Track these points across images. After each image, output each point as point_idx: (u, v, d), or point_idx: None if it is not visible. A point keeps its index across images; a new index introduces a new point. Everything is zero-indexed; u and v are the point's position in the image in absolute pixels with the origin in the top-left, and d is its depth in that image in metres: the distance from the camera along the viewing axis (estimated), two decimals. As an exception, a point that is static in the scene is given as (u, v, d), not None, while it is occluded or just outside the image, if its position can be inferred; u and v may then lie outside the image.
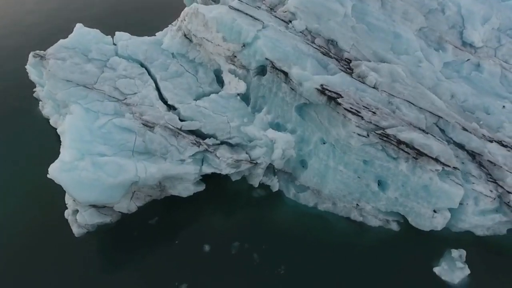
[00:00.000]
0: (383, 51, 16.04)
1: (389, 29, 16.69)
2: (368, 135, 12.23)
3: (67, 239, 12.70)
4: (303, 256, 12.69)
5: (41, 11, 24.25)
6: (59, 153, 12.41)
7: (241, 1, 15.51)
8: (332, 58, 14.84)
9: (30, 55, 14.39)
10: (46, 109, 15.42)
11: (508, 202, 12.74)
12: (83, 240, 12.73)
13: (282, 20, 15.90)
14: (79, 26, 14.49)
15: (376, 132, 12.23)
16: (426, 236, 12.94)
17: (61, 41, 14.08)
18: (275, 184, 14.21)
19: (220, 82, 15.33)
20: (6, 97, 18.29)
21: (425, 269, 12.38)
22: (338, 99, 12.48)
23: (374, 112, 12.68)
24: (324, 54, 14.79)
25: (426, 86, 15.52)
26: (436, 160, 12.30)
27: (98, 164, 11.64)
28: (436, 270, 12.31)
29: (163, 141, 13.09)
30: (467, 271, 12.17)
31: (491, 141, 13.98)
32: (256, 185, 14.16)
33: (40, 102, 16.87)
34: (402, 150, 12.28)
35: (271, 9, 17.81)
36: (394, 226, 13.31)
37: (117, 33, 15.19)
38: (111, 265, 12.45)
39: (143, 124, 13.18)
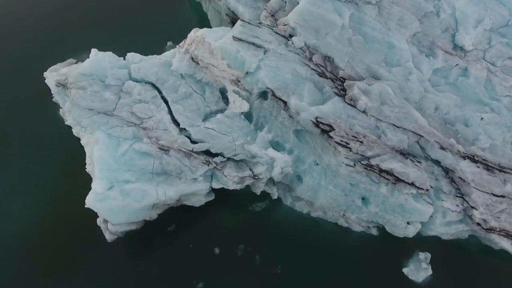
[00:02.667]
0: (376, 65, 17.33)
1: (384, 39, 17.76)
2: (354, 165, 14.29)
3: (101, 244, 15.35)
4: (296, 257, 15.51)
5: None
6: (85, 160, 14.85)
7: (243, 22, 16.48)
8: (328, 79, 16.28)
9: (53, 84, 15.77)
10: (68, 120, 17.16)
11: (471, 216, 15.18)
12: (115, 245, 15.40)
13: (282, 36, 16.97)
14: (94, 53, 15.73)
15: (362, 162, 14.26)
16: (399, 240, 15.59)
17: (80, 68, 15.45)
18: (274, 192, 16.56)
19: (225, 97, 16.92)
20: (25, 101, 19.82)
21: (396, 269, 15.23)
22: (330, 133, 14.29)
23: (361, 142, 14.57)
24: (320, 76, 16.20)
25: (412, 100, 17.10)
26: (412, 184, 14.49)
27: (125, 191, 13.88)
28: (405, 270, 15.16)
29: (178, 162, 15.17)
30: (430, 272, 15.02)
31: (464, 158, 16.01)
32: (258, 193, 16.49)
33: (61, 110, 18.54)
34: (383, 177, 14.42)
35: (272, 16, 18.76)
36: (374, 232, 15.92)
37: (128, 54, 16.42)
38: (140, 265, 15.28)
39: (159, 148, 15.15)
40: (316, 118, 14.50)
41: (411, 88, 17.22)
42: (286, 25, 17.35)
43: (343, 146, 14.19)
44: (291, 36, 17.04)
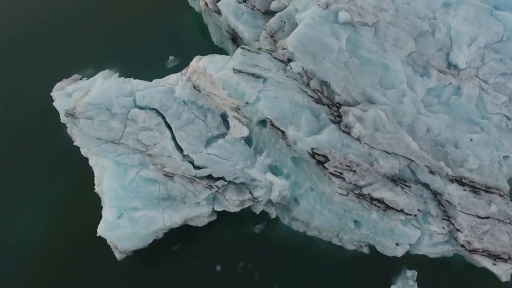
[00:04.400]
0: (371, 89, 18.04)
1: (379, 61, 18.37)
2: (347, 194, 15.29)
3: (111, 261, 16.56)
4: (293, 273, 16.74)
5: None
6: (93, 178, 15.95)
7: (243, 50, 17.10)
8: (324, 105, 17.05)
9: (62, 113, 16.53)
10: (77, 141, 18.03)
11: (456, 238, 16.30)
12: (124, 263, 16.60)
13: (281, 61, 17.63)
14: (100, 82, 16.43)
15: (354, 192, 15.25)
16: (389, 259, 16.75)
17: (87, 97, 16.20)
18: (273, 212, 17.64)
19: (226, 121, 17.74)
20: (32, 119, 20.58)
21: (385, 286, 16.49)
22: (325, 164, 15.21)
23: (354, 171, 15.51)
24: (317, 103, 16.97)
25: (405, 123, 17.88)
26: (401, 211, 15.54)
27: (133, 219, 14.96)
28: (393, 287, 16.42)
29: (182, 188, 16.18)
30: (416, 289, 16.32)
31: (452, 181, 16.97)
32: (258, 213, 17.58)
33: (68, 128, 19.33)
34: (374, 204, 15.45)
35: (272, 37, 19.34)
36: (365, 250, 17.09)
37: (133, 81, 17.15)
38: (147, 282, 16.53)
39: (164, 174, 16.11)
40: (312, 149, 15.35)
41: (404, 111, 17.96)
42: (285, 49, 17.93)
43: (337, 176, 15.12)
44: (289, 60, 17.67)
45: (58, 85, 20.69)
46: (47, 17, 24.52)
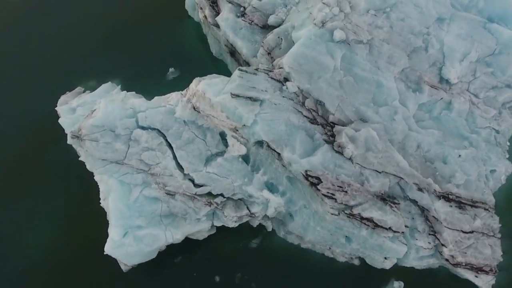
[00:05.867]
0: (365, 107, 18.75)
1: (373, 79, 19.00)
2: (339, 214, 16.27)
3: (117, 272, 17.68)
4: (288, 283, 17.90)
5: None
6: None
7: (241, 72, 17.77)
8: (318, 125, 17.83)
9: (69, 135, 17.34)
10: (82, 157, 18.91)
11: (441, 252, 17.37)
12: (130, 274, 17.71)
13: (278, 81, 18.32)
14: (104, 105, 17.18)
15: (345, 212, 16.23)
16: (378, 270, 17.87)
17: (91, 120, 16.97)
18: (269, 225, 18.66)
19: (224, 139, 18.56)
20: (38, 131, 21.38)
21: (374, 296, 17.68)
22: (318, 185, 16.13)
23: (346, 192, 16.44)
24: (312, 123, 17.75)
25: (396, 141, 18.68)
26: (389, 229, 16.55)
27: (138, 237, 16.00)
28: (381, 297, 17.63)
29: (183, 205, 17.15)
30: (402, 299, 17.49)
31: (439, 198, 17.91)
32: (255, 226, 18.61)
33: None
34: (364, 223, 16.44)
35: (269, 54, 19.95)
36: (356, 262, 18.20)
37: (135, 101, 17.86)
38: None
39: (166, 193, 17.06)
40: (306, 171, 16.22)
41: (395, 128, 18.71)
42: (281, 68, 18.59)
43: (329, 197, 16.06)
44: (286, 79, 18.34)
45: (62, 98, 21.46)
46: (49, 29, 24.92)
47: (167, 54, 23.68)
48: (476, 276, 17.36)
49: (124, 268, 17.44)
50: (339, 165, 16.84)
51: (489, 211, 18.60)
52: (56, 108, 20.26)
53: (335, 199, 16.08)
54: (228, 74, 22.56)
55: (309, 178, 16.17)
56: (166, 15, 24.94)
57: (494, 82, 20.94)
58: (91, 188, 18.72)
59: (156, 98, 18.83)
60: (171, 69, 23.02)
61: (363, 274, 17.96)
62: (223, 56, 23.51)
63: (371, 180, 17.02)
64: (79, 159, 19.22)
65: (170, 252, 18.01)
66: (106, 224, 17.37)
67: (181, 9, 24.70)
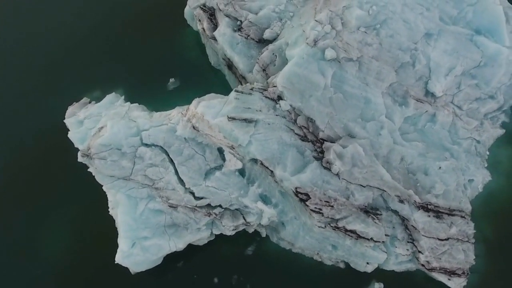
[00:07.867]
0: (353, 122, 20.13)
1: (361, 95, 20.28)
2: (325, 226, 18.05)
3: (126, 275, 19.69)
4: (280, 285, 19.94)
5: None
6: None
7: (237, 93, 19.11)
8: (309, 141, 19.33)
9: (79, 154, 18.89)
10: (91, 168, 20.57)
11: (418, 258, 19.27)
12: (137, 276, 19.72)
13: (271, 99, 19.67)
14: (110, 125, 18.65)
15: (331, 225, 18.01)
16: (361, 273, 19.84)
17: (99, 140, 18.48)
18: (263, 232, 20.52)
19: (222, 153, 20.10)
20: (49, 142, 22.88)
21: (356, 297, 19.76)
22: (306, 202, 17.84)
23: (332, 206, 18.17)
24: (302, 140, 19.25)
25: (381, 155, 20.15)
26: (371, 239, 18.39)
27: (145, 247, 17.87)
28: (363, 298, 19.71)
29: (185, 216, 18.94)
30: (382, 299, 19.56)
31: (419, 208, 19.63)
32: (250, 232, 20.48)
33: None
34: (348, 234, 18.26)
35: (264, 71, 21.19)
36: (341, 265, 20.12)
37: (139, 120, 19.30)
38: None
39: (169, 206, 18.82)
40: (296, 188, 17.87)
41: (381, 143, 20.15)
42: (275, 86, 19.89)
43: (316, 212, 17.78)
44: (279, 98, 19.67)
45: (69, 110, 22.85)
46: (54, 41, 25.90)
47: (167, 64, 24.80)
48: (449, 279, 19.28)
49: (132, 271, 19.41)
50: (327, 181, 18.45)
51: (465, 218, 20.29)
52: (64, 121, 21.68)
53: (322, 214, 17.80)
54: (226, 84, 24.00)
55: (299, 195, 17.82)
56: (166, 24, 25.85)
57: (478, 94, 22.09)
58: (100, 197, 20.38)
59: (158, 114, 20.26)
60: (171, 80, 24.22)
61: (348, 276, 19.92)
62: (221, 67, 24.64)
63: (356, 194, 18.67)
64: (88, 170, 20.85)
65: (174, 256, 19.90)
66: (114, 230, 19.20)
67: (180, 17, 25.58)
